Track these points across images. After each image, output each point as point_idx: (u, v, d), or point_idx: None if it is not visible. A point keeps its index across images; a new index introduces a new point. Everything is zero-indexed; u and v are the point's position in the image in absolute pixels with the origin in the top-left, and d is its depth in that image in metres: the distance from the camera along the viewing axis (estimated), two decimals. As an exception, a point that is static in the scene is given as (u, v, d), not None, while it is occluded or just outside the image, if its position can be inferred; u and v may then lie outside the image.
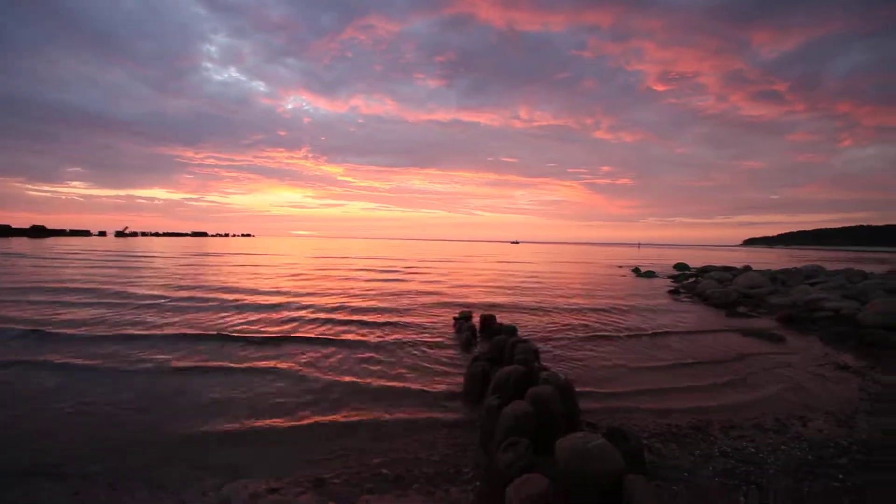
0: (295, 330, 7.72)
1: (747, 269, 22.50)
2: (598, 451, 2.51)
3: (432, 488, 2.98)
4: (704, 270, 22.82)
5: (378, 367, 5.79)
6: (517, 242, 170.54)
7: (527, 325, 8.71)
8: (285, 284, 14.21)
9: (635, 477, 2.34)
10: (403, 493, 2.92)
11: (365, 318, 8.99)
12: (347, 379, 5.29)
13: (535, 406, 3.37)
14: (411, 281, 16.71)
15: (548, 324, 8.91)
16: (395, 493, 2.92)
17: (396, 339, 7.33)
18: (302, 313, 9.18)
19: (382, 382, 5.21)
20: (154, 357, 5.96)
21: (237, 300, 10.83)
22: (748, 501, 2.76)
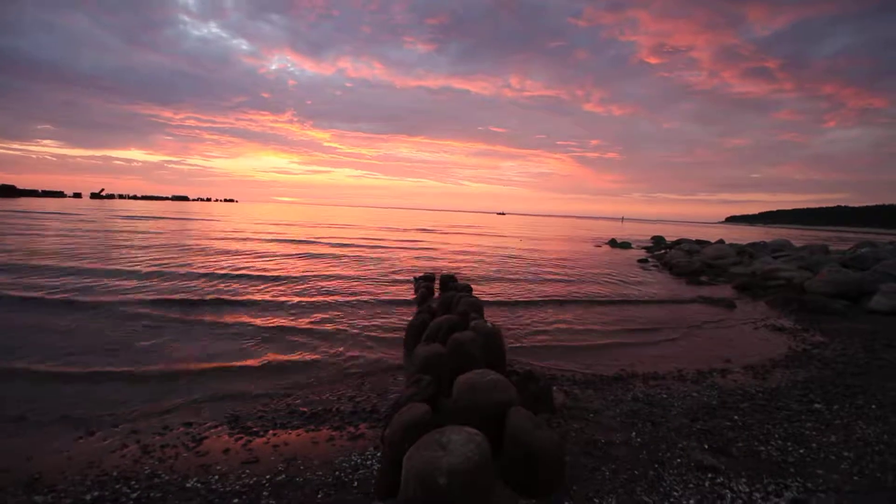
0: (247, 292, 7.72)
1: (720, 242, 22.96)
2: (489, 384, 2.59)
3: (344, 424, 3.06)
4: (677, 243, 23.21)
5: (331, 319, 5.85)
6: (503, 214, 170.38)
7: (492, 291, 8.81)
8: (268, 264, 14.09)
9: (518, 408, 2.42)
10: (315, 428, 3.00)
11: (332, 284, 9.00)
12: (302, 325, 5.37)
13: (453, 349, 3.44)
14: (390, 249, 16.70)
15: (511, 290, 9.02)
16: (306, 428, 3.00)
17: (357, 299, 7.36)
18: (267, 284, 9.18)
19: (329, 327, 5.31)
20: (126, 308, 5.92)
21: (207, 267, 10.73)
22: (638, 436, 2.89)
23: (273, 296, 7.18)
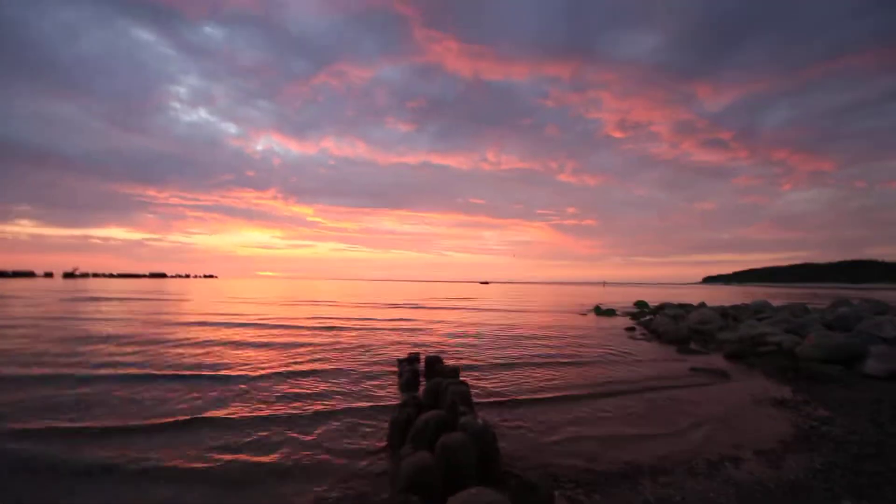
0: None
1: (702, 305, 23.14)
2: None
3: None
4: (661, 308, 23.31)
5: (311, 409, 5.33)
6: (487, 283, 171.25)
7: (479, 373, 8.40)
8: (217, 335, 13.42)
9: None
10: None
11: (307, 367, 8.47)
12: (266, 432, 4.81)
13: (442, 456, 3.07)
14: (372, 329, 16.19)
15: (500, 372, 8.62)
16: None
17: (334, 383, 6.86)
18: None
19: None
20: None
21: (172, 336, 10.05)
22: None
23: (234, 410, 6.62)
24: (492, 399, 6.11)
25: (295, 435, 4.62)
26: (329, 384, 6.79)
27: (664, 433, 4.82)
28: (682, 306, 23.62)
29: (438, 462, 3.07)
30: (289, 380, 6.97)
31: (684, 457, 4.20)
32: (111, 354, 8.61)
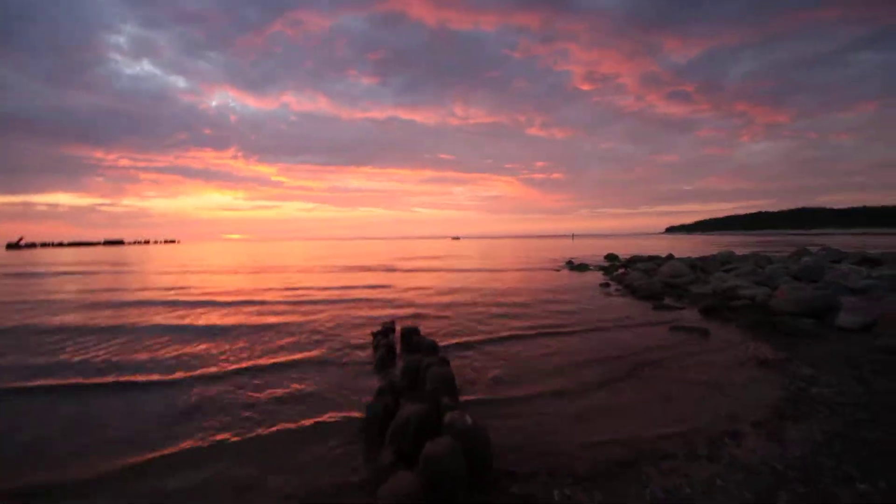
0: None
1: (670, 257, 23.63)
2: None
3: None
4: (632, 261, 23.67)
5: (264, 400, 4.80)
6: (458, 238, 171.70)
7: (453, 331, 8.04)
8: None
9: None
10: None
11: (279, 358, 7.87)
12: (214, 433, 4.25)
13: (427, 469, 2.63)
14: (343, 299, 15.59)
15: (475, 328, 8.29)
16: None
17: (296, 359, 6.33)
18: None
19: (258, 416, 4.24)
20: None
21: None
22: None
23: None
24: (475, 378, 5.74)
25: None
26: (306, 383, 6.23)
27: (658, 408, 4.57)
28: (651, 258, 24.08)
29: (424, 475, 2.64)
30: (254, 380, 5.74)
31: (683, 435, 3.96)
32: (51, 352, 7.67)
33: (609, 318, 9.40)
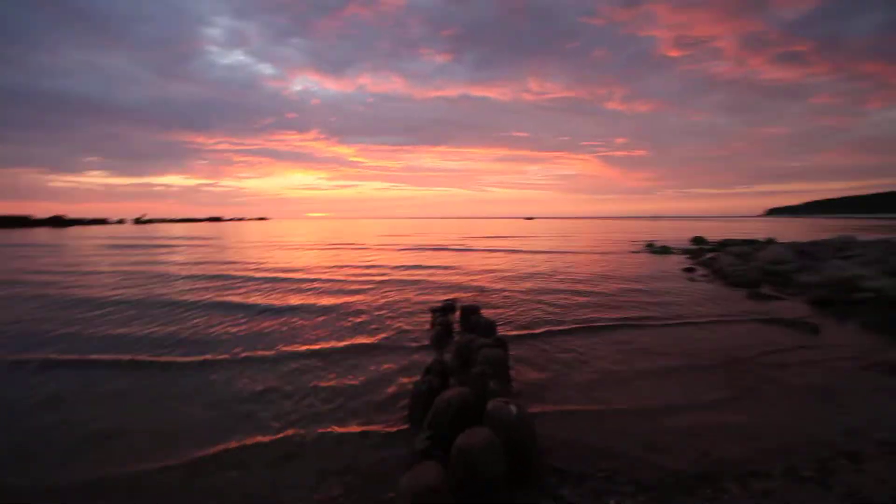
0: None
1: (770, 241, 20.90)
2: None
3: None
4: (723, 244, 21.28)
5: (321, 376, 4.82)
6: (531, 218, 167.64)
7: (515, 315, 7.63)
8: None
9: None
10: None
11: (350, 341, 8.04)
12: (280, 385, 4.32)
13: (460, 463, 2.33)
14: (414, 279, 15.74)
15: (541, 313, 7.80)
16: None
17: (357, 342, 6.35)
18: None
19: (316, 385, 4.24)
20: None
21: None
22: None
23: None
24: (531, 366, 5.32)
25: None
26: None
27: (752, 416, 3.85)
28: (747, 242, 21.47)
29: (454, 469, 2.36)
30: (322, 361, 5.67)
31: (782, 450, 3.28)
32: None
33: (692, 306, 8.40)
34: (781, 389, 4.38)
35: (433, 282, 11.66)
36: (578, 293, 9.86)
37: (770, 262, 13.02)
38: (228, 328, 6.82)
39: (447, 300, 8.31)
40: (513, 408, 2.79)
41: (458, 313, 7.19)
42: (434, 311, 7.40)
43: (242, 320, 7.31)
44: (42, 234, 43.69)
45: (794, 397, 4.19)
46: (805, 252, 15.16)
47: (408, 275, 13.09)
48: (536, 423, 3.55)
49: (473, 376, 3.63)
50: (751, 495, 2.69)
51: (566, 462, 3.10)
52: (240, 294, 9.75)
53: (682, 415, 3.85)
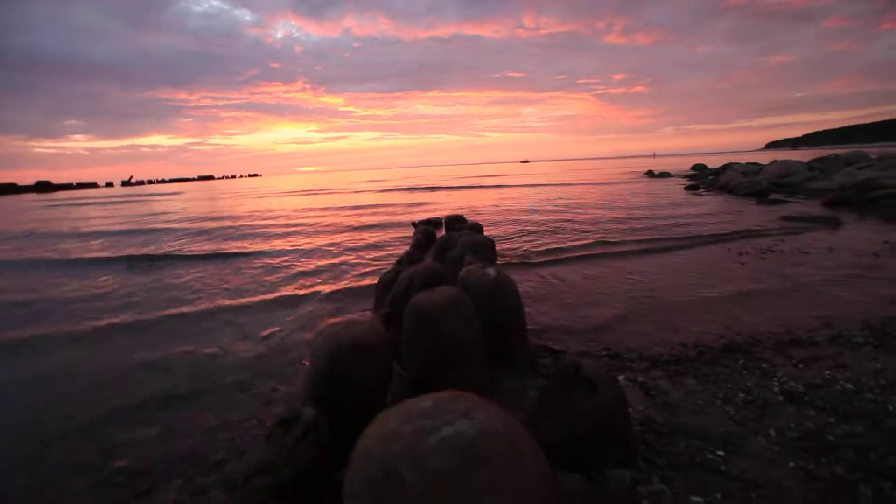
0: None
1: (774, 162, 20.03)
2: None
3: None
4: (726, 167, 20.41)
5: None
6: (527, 161, 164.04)
7: (511, 235, 6.97)
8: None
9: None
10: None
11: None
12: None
13: (416, 320, 1.72)
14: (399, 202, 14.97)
15: (536, 230, 7.13)
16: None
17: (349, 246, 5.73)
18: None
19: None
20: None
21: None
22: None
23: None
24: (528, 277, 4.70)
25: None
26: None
27: (782, 298, 3.24)
28: (750, 164, 20.60)
29: (410, 341, 1.74)
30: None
31: (817, 315, 2.72)
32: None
33: (698, 212, 7.76)
34: (811, 274, 3.78)
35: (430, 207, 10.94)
36: (578, 212, 9.17)
37: (778, 175, 12.26)
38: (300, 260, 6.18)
39: (433, 217, 7.64)
40: (490, 271, 2.15)
41: (443, 227, 6.53)
42: (416, 223, 6.73)
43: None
44: (32, 198, 42.27)
45: (824, 281, 3.59)
46: (814, 167, 14.38)
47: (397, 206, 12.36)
48: (532, 311, 2.99)
49: (450, 258, 2.99)
50: (795, 363, 2.12)
51: (564, 344, 2.54)
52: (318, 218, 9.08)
53: (708, 301, 3.26)
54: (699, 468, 1.41)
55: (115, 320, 3.46)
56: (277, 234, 7.74)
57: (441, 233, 6.49)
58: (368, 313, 3.19)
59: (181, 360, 2.65)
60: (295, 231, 8.08)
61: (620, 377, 2.04)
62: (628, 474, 1.35)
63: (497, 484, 0.79)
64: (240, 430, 1.86)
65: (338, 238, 6.96)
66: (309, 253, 5.88)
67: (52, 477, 1.65)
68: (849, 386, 1.86)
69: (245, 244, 6.82)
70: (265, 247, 6.51)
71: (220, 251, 6.28)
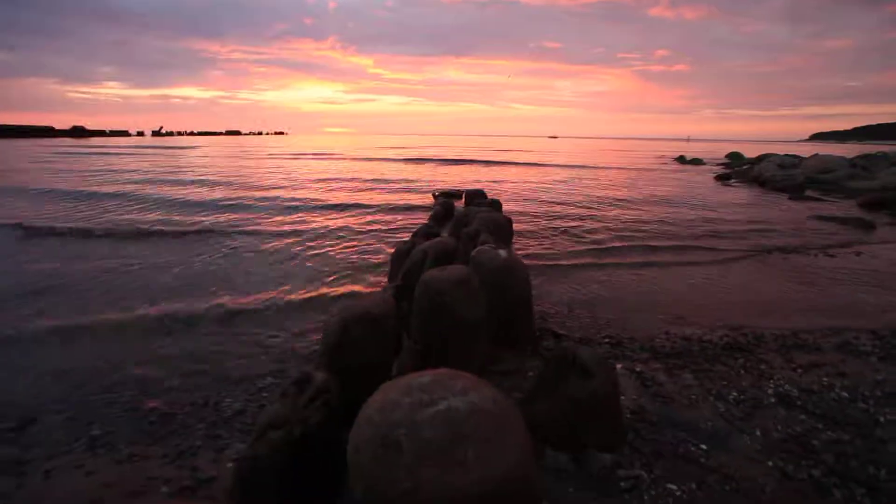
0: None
1: (815, 156, 19.11)
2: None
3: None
4: (762, 158, 19.58)
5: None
6: (555, 137, 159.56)
7: (528, 215, 6.91)
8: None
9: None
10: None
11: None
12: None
13: (425, 299, 1.81)
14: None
15: (556, 215, 7.05)
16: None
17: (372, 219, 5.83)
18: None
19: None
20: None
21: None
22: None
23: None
24: (535, 238, 4.73)
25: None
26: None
27: (802, 298, 3.23)
28: (789, 157, 19.71)
29: (419, 315, 1.84)
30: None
31: (825, 316, 2.73)
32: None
33: (725, 205, 7.57)
34: (832, 279, 3.71)
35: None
36: (600, 197, 9.03)
37: (817, 170, 11.75)
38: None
39: (453, 189, 7.65)
40: (502, 252, 2.22)
41: (462, 200, 6.55)
42: (436, 195, 6.78)
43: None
44: (68, 142, 43.49)
45: (844, 286, 3.53)
46: (857, 164, 13.69)
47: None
48: (540, 294, 3.05)
49: (465, 234, 3.05)
50: (794, 368, 2.15)
51: (568, 329, 2.61)
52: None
53: (719, 295, 3.27)
54: (681, 459, 1.49)
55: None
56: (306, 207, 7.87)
57: (460, 204, 6.54)
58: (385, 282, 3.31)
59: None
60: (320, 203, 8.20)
61: (619, 365, 2.11)
62: (610, 458, 1.44)
63: (482, 457, 0.88)
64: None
65: (357, 213, 7.06)
66: (337, 232, 6.01)
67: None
68: (844, 394, 1.89)
69: (268, 220, 7.00)
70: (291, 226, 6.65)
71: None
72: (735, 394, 1.90)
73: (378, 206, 6.85)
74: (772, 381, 2.01)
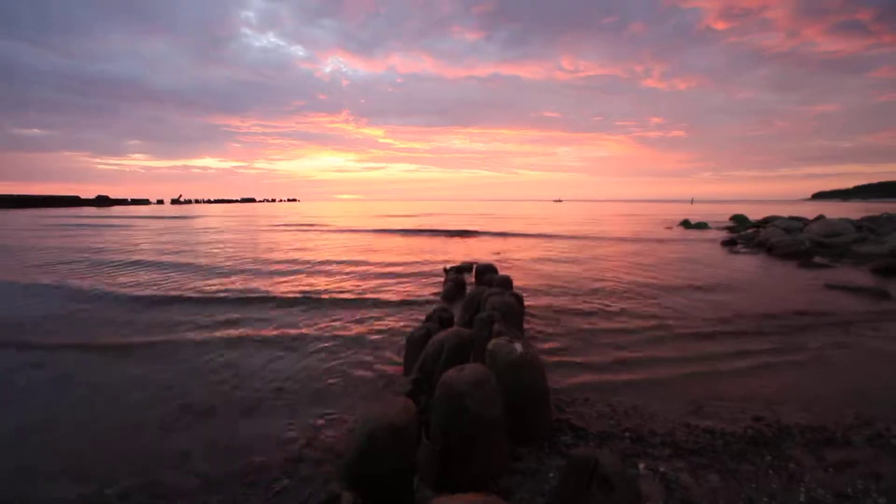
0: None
1: (821, 217, 19.30)
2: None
3: None
4: (767, 221, 19.80)
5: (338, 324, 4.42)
6: (560, 201, 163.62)
7: (537, 286, 7.03)
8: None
9: None
10: None
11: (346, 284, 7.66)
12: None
13: (444, 400, 1.84)
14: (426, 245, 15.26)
15: (563, 285, 7.15)
16: None
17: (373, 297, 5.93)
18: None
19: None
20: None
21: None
22: None
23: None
24: (547, 321, 4.75)
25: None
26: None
27: (820, 380, 3.18)
28: (793, 219, 19.94)
29: (436, 411, 1.86)
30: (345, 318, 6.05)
31: (852, 406, 2.65)
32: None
33: (736, 274, 7.58)
34: (852, 355, 3.66)
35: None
36: (605, 264, 9.13)
37: (823, 234, 11.83)
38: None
39: (464, 262, 7.80)
40: (518, 346, 2.26)
41: (473, 273, 6.67)
42: (447, 269, 6.91)
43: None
44: (90, 211, 45.55)
45: (867, 363, 3.48)
46: (864, 227, 13.79)
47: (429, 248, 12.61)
48: (554, 380, 3.03)
49: (478, 321, 3.11)
50: (825, 467, 2.08)
51: (586, 420, 2.57)
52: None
53: (738, 379, 3.22)
54: (716, 580, 1.43)
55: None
56: (313, 271, 8.07)
57: (471, 278, 6.64)
58: (400, 370, 3.32)
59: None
60: (329, 270, 8.40)
61: (641, 465, 2.06)
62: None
63: None
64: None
65: (370, 283, 7.21)
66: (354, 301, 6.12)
67: None
68: (881, 501, 1.82)
69: (276, 285, 7.17)
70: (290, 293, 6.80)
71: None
72: (766, 499, 1.84)
73: (388, 301, 7.01)
74: (802, 483, 1.94)
